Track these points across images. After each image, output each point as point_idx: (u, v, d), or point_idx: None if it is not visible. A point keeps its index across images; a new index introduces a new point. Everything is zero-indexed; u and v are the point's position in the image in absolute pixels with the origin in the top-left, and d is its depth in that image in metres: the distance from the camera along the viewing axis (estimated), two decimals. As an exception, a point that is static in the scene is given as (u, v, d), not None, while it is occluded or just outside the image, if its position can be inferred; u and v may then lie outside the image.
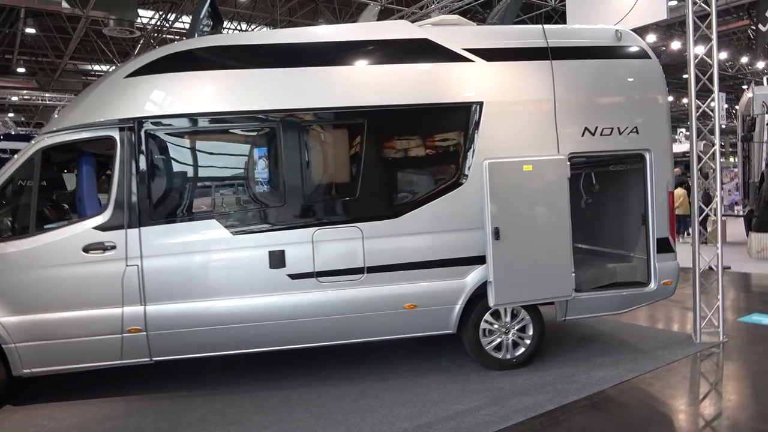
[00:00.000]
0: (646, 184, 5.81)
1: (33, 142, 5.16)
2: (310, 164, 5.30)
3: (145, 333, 5.03)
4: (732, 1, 16.23)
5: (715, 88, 6.35)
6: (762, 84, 16.68)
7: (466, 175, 5.40)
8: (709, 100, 6.47)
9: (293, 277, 5.17)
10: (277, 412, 4.85)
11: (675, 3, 10.33)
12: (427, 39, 5.50)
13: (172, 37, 21.46)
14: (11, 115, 29.88)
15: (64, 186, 8.95)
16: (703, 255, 6.43)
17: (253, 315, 5.14)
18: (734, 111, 25.13)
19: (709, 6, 6.35)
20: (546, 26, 5.76)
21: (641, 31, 8.07)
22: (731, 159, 27.89)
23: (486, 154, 5.38)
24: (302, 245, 5.18)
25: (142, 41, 22.05)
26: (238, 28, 21.03)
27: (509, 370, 5.59)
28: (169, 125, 5.14)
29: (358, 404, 4.94)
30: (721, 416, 4.59)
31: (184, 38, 5.46)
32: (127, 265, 4.99)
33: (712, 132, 6.55)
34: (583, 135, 5.61)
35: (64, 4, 16.42)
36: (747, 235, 13.49)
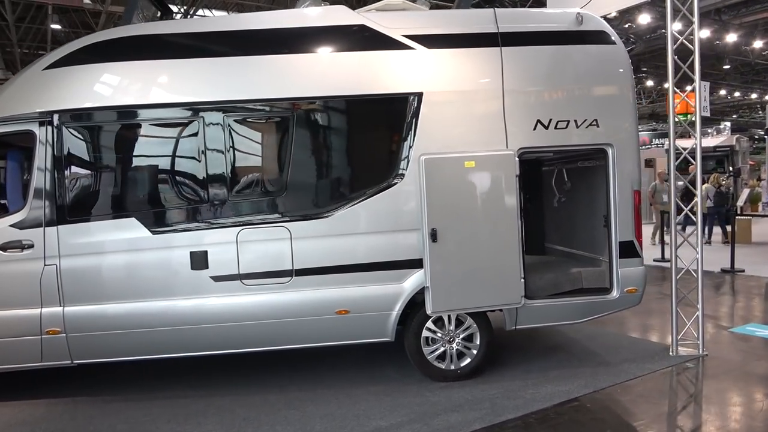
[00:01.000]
0: (608, 182, 5.30)
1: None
2: (235, 160, 5.00)
3: (64, 335, 4.86)
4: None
5: (697, 77, 5.74)
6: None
7: (403, 172, 5.01)
8: (689, 89, 5.87)
9: (216, 279, 4.91)
10: (188, 422, 4.59)
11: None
12: (365, 25, 5.12)
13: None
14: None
15: None
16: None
17: (174, 318, 4.91)
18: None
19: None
20: (498, 10, 5.29)
21: (634, 11, 7.46)
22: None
23: (426, 149, 4.97)
24: (226, 246, 4.90)
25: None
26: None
27: (453, 381, 5.20)
28: (88, 119, 4.92)
29: (278, 416, 4.64)
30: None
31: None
32: (45, 265, 4.82)
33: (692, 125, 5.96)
34: (535, 128, 5.14)
35: (86, 0, 16.68)
36: None
